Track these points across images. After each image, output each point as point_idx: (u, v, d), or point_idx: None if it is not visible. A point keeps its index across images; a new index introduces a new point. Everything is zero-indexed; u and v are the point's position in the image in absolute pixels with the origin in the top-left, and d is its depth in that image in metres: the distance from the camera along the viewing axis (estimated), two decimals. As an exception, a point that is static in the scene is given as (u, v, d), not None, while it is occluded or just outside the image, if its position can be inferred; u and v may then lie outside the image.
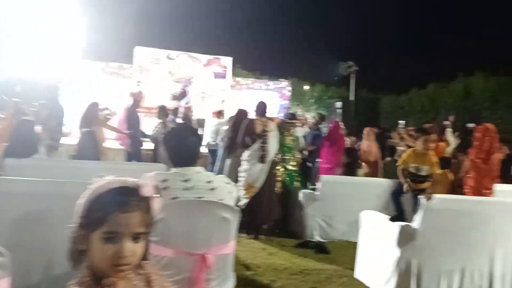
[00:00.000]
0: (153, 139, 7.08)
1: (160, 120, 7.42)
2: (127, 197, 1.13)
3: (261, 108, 5.39)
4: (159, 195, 1.20)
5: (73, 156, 5.64)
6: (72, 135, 7.88)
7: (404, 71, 20.26)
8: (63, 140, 7.66)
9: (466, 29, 22.81)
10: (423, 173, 3.71)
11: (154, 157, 6.86)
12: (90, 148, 5.61)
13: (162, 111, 7.57)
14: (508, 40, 19.72)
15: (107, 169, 3.86)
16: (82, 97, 10.69)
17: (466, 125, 9.72)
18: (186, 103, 10.05)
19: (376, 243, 3.65)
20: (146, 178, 1.19)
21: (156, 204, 1.19)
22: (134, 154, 7.10)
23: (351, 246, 4.51)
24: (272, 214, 5.12)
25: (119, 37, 13.87)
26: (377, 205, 4.98)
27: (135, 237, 1.12)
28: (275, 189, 5.38)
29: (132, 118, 7.45)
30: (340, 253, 4.60)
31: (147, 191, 1.17)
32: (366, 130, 7.33)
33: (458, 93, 12.35)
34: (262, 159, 5.02)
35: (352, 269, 3.90)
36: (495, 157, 4.57)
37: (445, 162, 6.30)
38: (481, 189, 4.49)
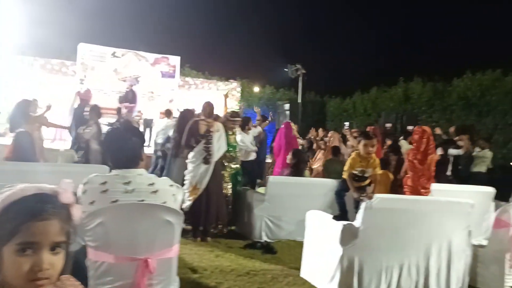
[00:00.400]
0: (85, 140, 6.46)
1: (92, 121, 6.71)
2: (43, 204, 1.04)
3: (207, 109, 5.29)
4: (78, 202, 1.13)
5: (6, 158, 5.27)
6: (8, 135, 7.39)
7: (349, 75, 21.00)
8: (-2, 140, 7.18)
9: (407, 37, 24.07)
10: (367, 175, 3.87)
11: (85, 160, 6.37)
12: (26, 149, 5.27)
13: (94, 111, 6.91)
14: (443, 49, 21.09)
15: (46, 171, 3.65)
16: (19, 95, 10.08)
17: (406, 127, 10.27)
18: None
19: (321, 242, 3.73)
20: (65, 184, 1.11)
21: (76, 212, 1.11)
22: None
23: (298, 246, 4.59)
24: (219, 216, 5.07)
25: (62, 32, 13.19)
26: (323, 204, 5.12)
27: (54, 248, 1.03)
28: (223, 190, 5.33)
29: (80, 119, 7.12)
30: (287, 252, 4.66)
31: (65, 197, 1.09)
32: (332, 134, 7.53)
33: (399, 97, 12.98)
34: (205, 160, 4.92)
35: (298, 268, 3.96)
36: (431, 158, 4.85)
37: (385, 163, 6.60)
38: (419, 189, 4.75)
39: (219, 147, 5.05)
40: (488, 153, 8.43)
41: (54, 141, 9.51)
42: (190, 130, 5.11)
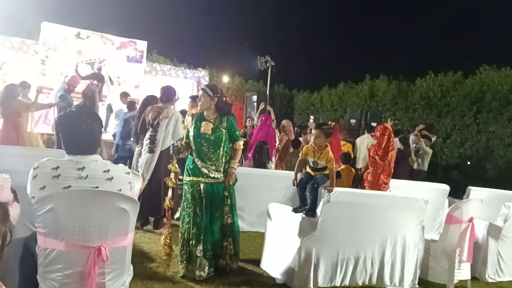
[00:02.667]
0: None
1: None
2: None
3: (164, 94, 4.91)
4: (16, 201, 1.02)
5: None
6: None
7: (317, 70, 21.26)
8: None
9: (374, 36, 24.57)
10: (319, 167, 3.83)
11: None
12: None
13: None
14: (408, 49, 21.68)
15: (1, 153, 3.45)
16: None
17: (370, 124, 10.51)
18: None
19: (281, 234, 3.76)
20: (1, 179, 1.00)
21: (14, 211, 1.00)
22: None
23: (259, 237, 4.63)
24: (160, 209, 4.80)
25: (23, 10, 12.57)
26: (285, 196, 5.17)
27: None
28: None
29: (68, 105, 6.84)
30: (248, 243, 4.68)
31: (1, 196, 0.98)
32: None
33: (364, 94, 13.22)
34: (149, 149, 4.69)
35: (259, 259, 3.98)
36: (391, 155, 4.99)
37: (347, 158, 6.74)
38: (379, 184, 4.88)
39: (166, 136, 4.70)
40: (428, 150, 8.88)
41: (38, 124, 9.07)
42: (144, 117, 4.93)
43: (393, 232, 3.68)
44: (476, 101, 9.98)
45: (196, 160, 3.59)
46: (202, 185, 3.58)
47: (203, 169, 3.56)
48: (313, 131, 3.97)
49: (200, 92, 3.67)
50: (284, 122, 7.73)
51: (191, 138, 3.64)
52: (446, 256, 3.94)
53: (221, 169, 3.61)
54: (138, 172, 4.77)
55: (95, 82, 8.56)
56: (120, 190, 2.07)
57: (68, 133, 2.06)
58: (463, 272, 3.99)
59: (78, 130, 2.04)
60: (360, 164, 8.65)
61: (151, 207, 4.70)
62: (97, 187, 2.02)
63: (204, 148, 3.58)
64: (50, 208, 1.91)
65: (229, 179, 3.63)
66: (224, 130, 3.63)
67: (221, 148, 3.61)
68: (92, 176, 2.02)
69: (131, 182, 2.15)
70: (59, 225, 1.92)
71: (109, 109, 10.47)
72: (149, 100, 5.28)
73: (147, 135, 4.79)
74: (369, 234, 3.60)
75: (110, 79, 10.02)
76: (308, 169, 3.90)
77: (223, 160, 3.62)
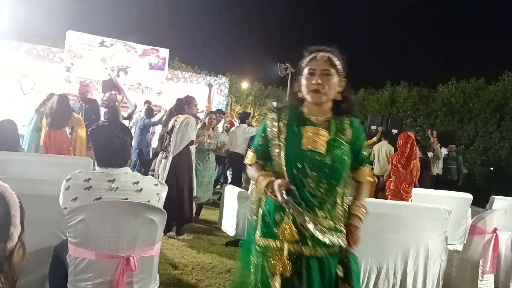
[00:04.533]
0: None
1: None
2: None
3: (174, 106, 5.24)
4: (21, 209, 1.02)
5: None
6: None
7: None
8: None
9: (396, 42, 24.35)
10: None
11: None
12: (9, 138, 5.17)
13: None
14: (430, 55, 21.41)
15: (30, 161, 3.59)
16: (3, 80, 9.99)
17: (391, 130, 10.42)
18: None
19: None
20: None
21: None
22: None
23: (279, 245, 4.62)
24: (186, 212, 4.93)
25: (48, 18, 12.97)
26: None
27: None
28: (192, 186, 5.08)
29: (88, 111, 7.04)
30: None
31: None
32: None
33: (385, 100, 13.11)
34: (165, 155, 4.95)
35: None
36: (413, 163, 4.96)
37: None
38: (401, 193, 4.85)
39: (176, 141, 4.85)
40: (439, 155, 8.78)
41: None
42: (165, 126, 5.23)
43: (415, 243, 3.64)
44: (499, 108, 9.81)
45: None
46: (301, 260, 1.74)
47: (308, 224, 1.71)
48: None
49: (303, 70, 1.92)
50: None
51: (281, 159, 1.81)
52: (469, 267, 3.88)
53: (341, 224, 1.84)
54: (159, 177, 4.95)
55: (115, 92, 8.73)
56: (149, 201, 2.14)
57: (100, 147, 2.14)
58: (487, 283, 3.92)
59: (110, 144, 2.11)
60: (376, 171, 8.59)
61: (172, 214, 4.78)
62: (126, 198, 2.08)
63: (310, 181, 1.76)
64: (81, 218, 1.98)
65: (354, 239, 1.87)
66: (347, 145, 1.84)
67: (342, 181, 1.84)
68: (122, 188, 2.09)
69: (159, 193, 2.22)
70: (90, 235, 1.99)
71: (129, 116, 10.66)
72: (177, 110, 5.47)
73: (165, 143, 5.03)
74: (392, 244, 3.58)
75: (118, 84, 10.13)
76: None
77: (344, 205, 1.88)
